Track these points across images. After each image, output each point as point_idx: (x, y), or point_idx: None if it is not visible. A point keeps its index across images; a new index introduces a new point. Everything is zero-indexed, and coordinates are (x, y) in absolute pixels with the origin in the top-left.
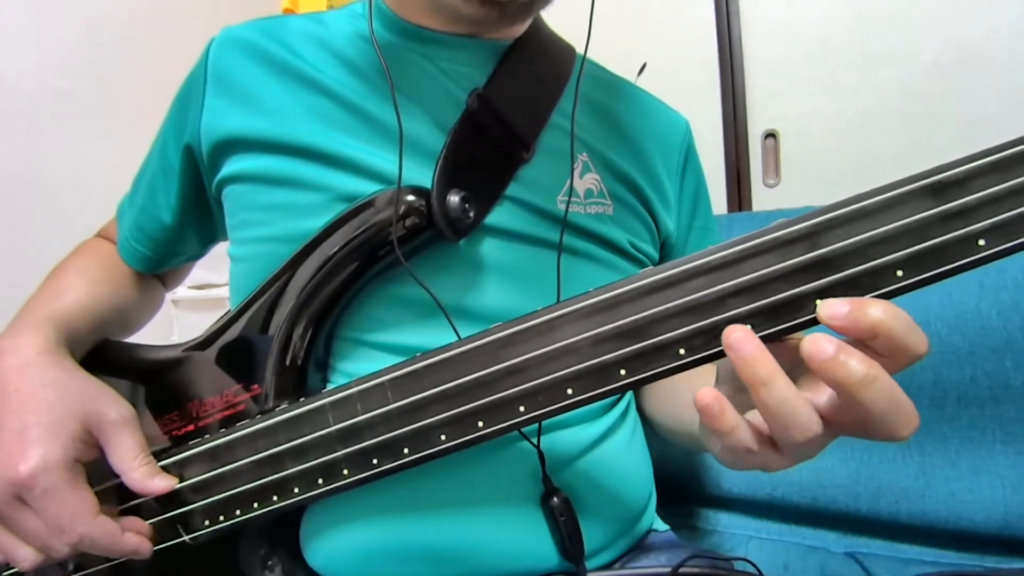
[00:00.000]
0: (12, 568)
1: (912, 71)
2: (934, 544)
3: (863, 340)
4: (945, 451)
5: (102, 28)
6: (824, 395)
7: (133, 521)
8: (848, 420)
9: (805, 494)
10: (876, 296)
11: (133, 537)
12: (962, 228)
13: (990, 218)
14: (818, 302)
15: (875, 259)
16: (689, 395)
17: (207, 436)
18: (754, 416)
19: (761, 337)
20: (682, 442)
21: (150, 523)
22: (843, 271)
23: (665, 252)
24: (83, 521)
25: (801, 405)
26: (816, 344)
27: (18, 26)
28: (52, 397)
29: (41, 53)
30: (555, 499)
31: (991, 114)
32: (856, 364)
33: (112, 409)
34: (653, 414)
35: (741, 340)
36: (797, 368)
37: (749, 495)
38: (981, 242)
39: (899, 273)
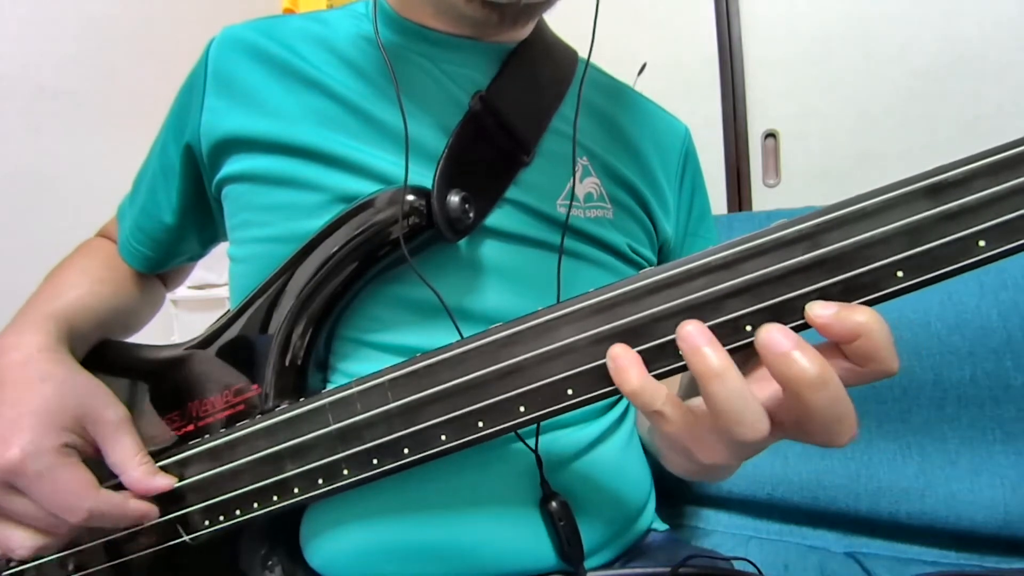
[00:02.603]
0: (12, 568)
1: (912, 71)
2: (934, 544)
3: (843, 343)
4: (945, 451)
5: (102, 28)
6: (767, 391)
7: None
8: (789, 419)
9: (805, 494)
10: (877, 297)
11: (139, 503)
12: (963, 229)
13: (991, 219)
14: (808, 303)
15: (875, 260)
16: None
17: (207, 436)
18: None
19: None
20: (650, 447)
21: (150, 524)
22: (843, 272)
23: (663, 257)
24: (87, 497)
25: (751, 400)
26: (772, 337)
27: (18, 26)
28: (49, 390)
29: (41, 53)
30: (554, 503)
31: (991, 114)
32: (809, 363)
33: (110, 409)
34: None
35: (693, 332)
36: (744, 365)
37: (749, 495)
38: (981, 243)
39: (899, 274)
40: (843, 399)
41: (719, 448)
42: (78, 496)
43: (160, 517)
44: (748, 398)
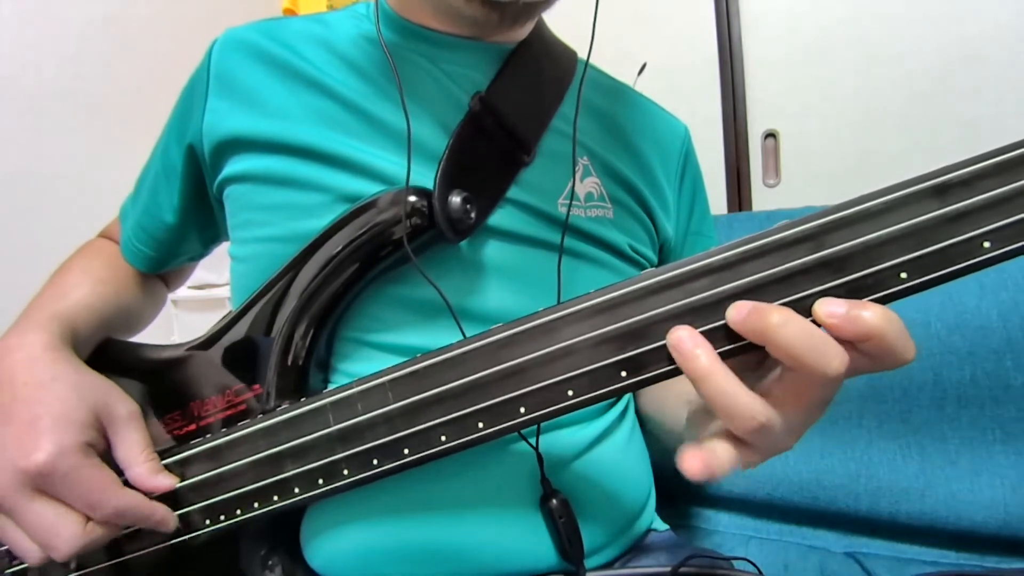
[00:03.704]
0: (13, 567)
1: (912, 71)
2: (934, 544)
3: (855, 343)
4: (945, 451)
5: (103, 28)
6: (769, 379)
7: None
8: (792, 393)
9: (805, 494)
10: (880, 298)
11: (160, 505)
12: (967, 230)
13: (995, 220)
14: (816, 301)
15: (879, 261)
16: (673, 395)
17: (208, 436)
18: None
19: None
20: (667, 441)
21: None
22: (846, 273)
23: (663, 256)
24: (112, 494)
25: (740, 394)
26: (736, 307)
27: (18, 26)
28: (62, 389)
29: (41, 53)
30: (554, 501)
31: (991, 114)
32: (773, 313)
33: (121, 404)
34: (643, 413)
35: (682, 338)
36: (753, 372)
37: (749, 495)
38: (986, 244)
39: (903, 275)
40: (811, 329)
41: (753, 453)
42: (104, 493)
43: None
44: (737, 393)
